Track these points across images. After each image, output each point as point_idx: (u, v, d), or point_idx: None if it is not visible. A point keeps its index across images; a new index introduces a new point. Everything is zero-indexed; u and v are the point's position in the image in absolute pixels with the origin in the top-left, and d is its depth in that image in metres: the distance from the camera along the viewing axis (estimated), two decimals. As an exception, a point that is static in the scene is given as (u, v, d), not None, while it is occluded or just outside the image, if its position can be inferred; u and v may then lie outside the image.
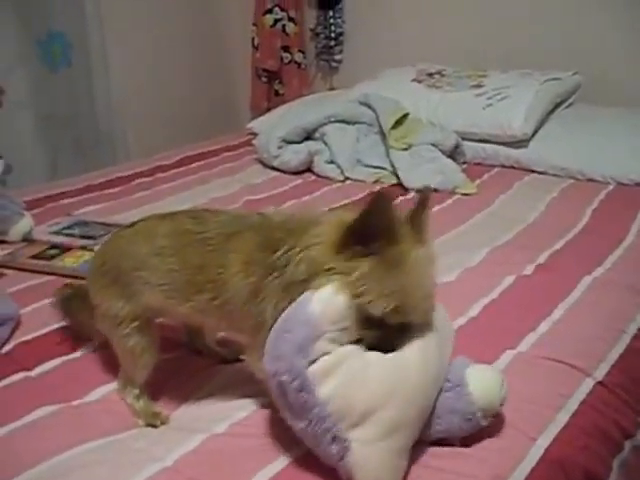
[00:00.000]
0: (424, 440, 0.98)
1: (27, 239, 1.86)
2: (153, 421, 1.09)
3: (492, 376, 1.02)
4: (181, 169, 2.56)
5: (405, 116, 2.46)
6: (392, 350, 0.92)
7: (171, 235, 1.07)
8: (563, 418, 1.09)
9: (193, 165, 2.60)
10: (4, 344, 1.33)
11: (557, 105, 2.53)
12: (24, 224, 1.88)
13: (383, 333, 0.92)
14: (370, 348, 0.92)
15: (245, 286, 0.98)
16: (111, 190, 2.35)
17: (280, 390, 0.91)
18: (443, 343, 1.01)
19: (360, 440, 0.88)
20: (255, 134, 2.81)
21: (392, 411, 0.90)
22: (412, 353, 0.94)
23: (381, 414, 0.89)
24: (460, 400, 0.98)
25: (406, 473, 0.93)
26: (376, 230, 0.88)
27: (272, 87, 3.54)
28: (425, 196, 0.95)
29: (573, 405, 1.13)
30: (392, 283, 0.89)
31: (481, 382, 1.00)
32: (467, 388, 0.98)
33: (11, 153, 2.63)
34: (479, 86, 2.57)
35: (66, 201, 2.24)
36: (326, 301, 0.90)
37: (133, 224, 1.16)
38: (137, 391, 1.12)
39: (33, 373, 1.24)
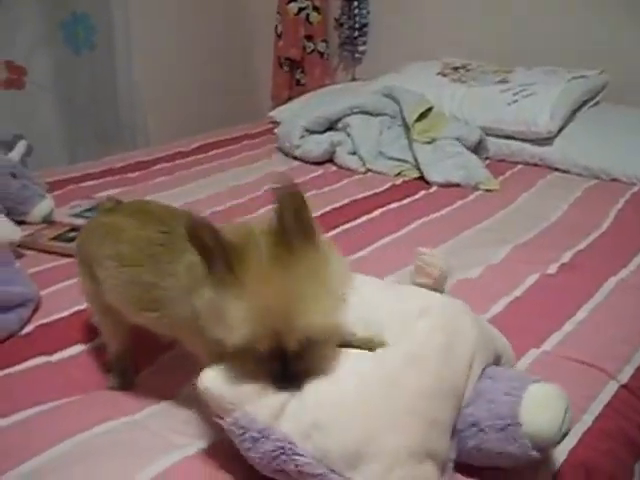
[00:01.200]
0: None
1: (48, 221, 1.87)
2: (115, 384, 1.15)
3: (554, 407, 0.88)
4: (200, 156, 2.55)
5: (429, 109, 2.43)
6: (298, 380, 0.84)
7: (133, 243, 1.03)
8: (587, 420, 1.08)
9: (212, 152, 2.59)
10: (24, 326, 1.33)
11: (583, 103, 2.48)
12: (45, 206, 1.88)
13: (272, 364, 0.84)
14: (275, 383, 0.85)
15: (188, 304, 0.90)
16: (131, 174, 2.35)
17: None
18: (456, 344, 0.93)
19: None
20: (276, 123, 2.80)
21: (388, 440, 0.83)
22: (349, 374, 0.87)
23: (376, 446, 0.82)
24: (512, 443, 0.87)
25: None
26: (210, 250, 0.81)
27: (294, 76, 3.51)
28: (289, 195, 0.79)
29: (597, 408, 1.11)
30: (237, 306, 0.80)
31: (540, 418, 0.87)
32: (521, 429, 0.86)
33: (31, 135, 2.63)
34: (504, 82, 2.53)
35: (87, 184, 2.25)
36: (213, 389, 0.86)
37: (113, 209, 1.18)
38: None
39: (53, 358, 1.23)
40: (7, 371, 1.18)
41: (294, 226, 0.80)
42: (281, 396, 0.85)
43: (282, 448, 0.83)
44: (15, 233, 1.56)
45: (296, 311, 0.79)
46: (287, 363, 0.82)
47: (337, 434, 0.82)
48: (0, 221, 1.57)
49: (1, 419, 1.05)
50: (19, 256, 1.62)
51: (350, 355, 0.91)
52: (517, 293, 1.46)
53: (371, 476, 0.81)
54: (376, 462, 0.81)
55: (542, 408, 0.88)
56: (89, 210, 1.90)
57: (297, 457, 0.83)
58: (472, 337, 0.96)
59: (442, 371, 0.90)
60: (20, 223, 1.73)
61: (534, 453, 0.87)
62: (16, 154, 2.05)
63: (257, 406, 0.85)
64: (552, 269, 1.58)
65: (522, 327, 1.31)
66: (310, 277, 0.81)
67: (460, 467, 0.93)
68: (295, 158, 2.47)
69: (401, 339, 0.93)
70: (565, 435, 0.89)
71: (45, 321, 1.35)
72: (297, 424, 0.84)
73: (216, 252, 0.80)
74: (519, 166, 2.40)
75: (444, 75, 2.71)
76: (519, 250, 1.69)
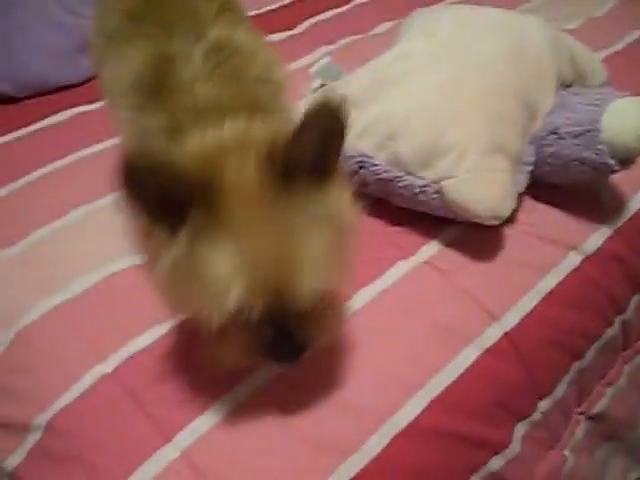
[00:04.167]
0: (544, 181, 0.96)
1: None
2: None
3: (636, 117, 0.86)
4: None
5: None
6: (300, 352, 0.65)
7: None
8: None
9: None
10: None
11: None
12: None
13: (267, 332, 0.64)
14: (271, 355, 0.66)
15: None
16: None
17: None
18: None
19: (443, 173, 0.87)
20: None
21: (459, 134, 0.88)
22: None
23: (448, 140, 0.88)
24: (589, 149, 0.87)
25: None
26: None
27: None
28: (327, 113, 0.58)
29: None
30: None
31: (620, 125, 0.86)
32: (600, 135, 0.86)
33: None
34: None
35: None
36: None
37: None
38: None
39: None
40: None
41: (313, 156, 0.60)
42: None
43: (360, 162, 0.92)
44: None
45: (303, 261, 0.60)
46: (287, 331, 0.63)
47: (407, 139, 0.89)
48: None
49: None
50: None
51: (413, 70, 0.95)
52: (618, 47, 1.39)
53: (442, 170, 0.87)
54: (446, 157, 0.88)
55: (623, 117, 0.87)
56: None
57: (374, 167, 0.91)
58: (540, 46, 1.00)
59: (505, 72, 0.94)
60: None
61: (612, 162, 0.86)
62: None
63: None
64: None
65: (619, 81, 1.26)
66: (320, 224, 0.61)
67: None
68: None
69: (465, 51, 0.97)
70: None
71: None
72: (372, 139, 0.91)
73: (178, 194, 0.57)
74: None
75: None
76: (625, 3, 1.57)
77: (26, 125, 1.20)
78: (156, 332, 0.81)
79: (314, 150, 0.59)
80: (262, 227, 0.59)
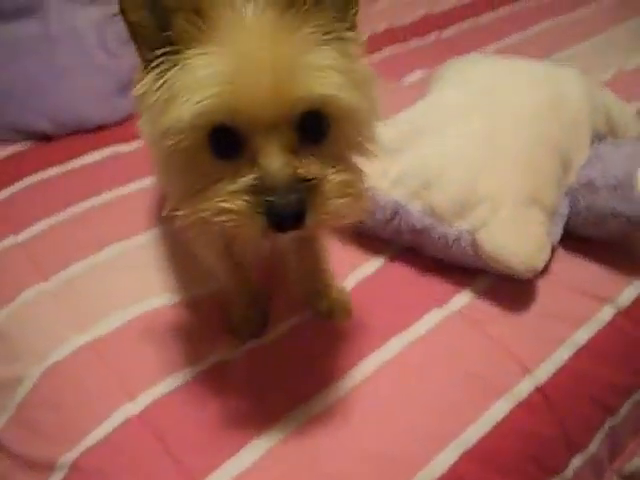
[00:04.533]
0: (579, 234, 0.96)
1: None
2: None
3: None
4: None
5: None
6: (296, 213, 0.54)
7: None
8: None
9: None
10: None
11: None
12: None
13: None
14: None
15: None
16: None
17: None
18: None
19: (477, 224, 0.88)
20: None
21: (492, 184, 0.89)
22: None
23: (483, 191, 0.88)
24: (623, 202, 0.88)
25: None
26: None
27: None
28: None
29: None
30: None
31: None
32: (635, 189, 0.87)
33: None
34: None
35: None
36: None
37: None
38: None
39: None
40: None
41: None
42: (382, 164, 0.90)
43: (394, 210, 0.92)
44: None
45: (303, 67, 0.53)
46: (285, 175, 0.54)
47: (442, 188, 0.89)
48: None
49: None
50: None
51: (448, 119, 0.96)
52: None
53: (477, 221, 0.88)
54: (480, 207, 0.88)
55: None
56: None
57: (408, 216, 0.91)
58: (576, 99, 1.01)
59: (541, 124, 0.95)
60: None
61: None
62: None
63: None
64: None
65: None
66: (326, 42, 0.56)
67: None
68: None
69: (501, 102, 0.98)
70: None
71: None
72: (406, 188, 0.92)
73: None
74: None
75: None
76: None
77: (63, 162, 1.22)
78: (187, 374, 0.81)
79: None
80: (252, 31, 0.54)
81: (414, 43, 1.66)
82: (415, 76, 1.47)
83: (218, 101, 0.52)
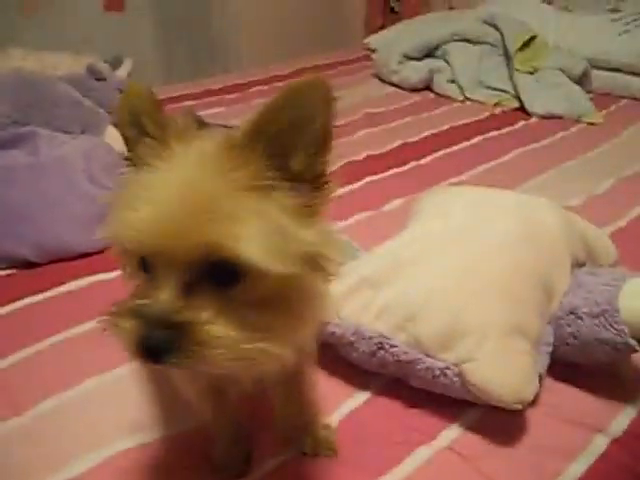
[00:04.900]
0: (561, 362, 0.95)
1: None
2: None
3: None
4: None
5: (532, 39, 2.34)
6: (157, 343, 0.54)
7: None
8: None
9: (309, 77, 2.59)
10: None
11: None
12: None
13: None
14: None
15: None
16: (229, 96, 2.40)
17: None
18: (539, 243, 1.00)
19: (464, 357, 0.87)
20: (372, 50, 2.77)
21: (474, 318, 0.88)
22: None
23: (465, 326, 0.88)
24: (608, 330, 0.87)
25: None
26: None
27: (388, 4, 3.44)
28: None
29: None
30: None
31: (637, 305, 0.87)
32: (618, 315, 0.87)
33: (130, 56, 2.70)
34: (616, 10, 2.41)
35: (186, 103, 2.30)
36: None
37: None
38: None
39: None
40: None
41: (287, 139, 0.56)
42: (365, 297, 0.93)
43: (379, 343, 0.91)
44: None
45: (209, 213, 0.53)
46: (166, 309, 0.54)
47: (426, 321, 0.89)
48: (114, 133, 1.65)
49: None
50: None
51: (429, 252, 0.98)
52: (622, 223, 1.44)
53: (463, 353, 0.87)
54: (466, 339, 0.87)
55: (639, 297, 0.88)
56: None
57: (393, 349, 0.90)
58: (552, 227, 1.04)
59: (521, 253, 0.97)
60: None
61: (633, 342, 0.86)
62: (123, 71, 2.13)
63: (345, 312, 0.93)
64: (659, 203, 1.53)
65: (625, 257, 1.30)
66: (260, 190, 0.56)
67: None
68: (392, 84, 2.46)
69: (479, 233, 1.00)
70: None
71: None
72: (390, 320, 0.91)
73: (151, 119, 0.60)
74: (625, 100, 2.29)
75: (549, 3, 2.60)
76: (623, 183, 1.65)
77: (44, 290, 1.21)
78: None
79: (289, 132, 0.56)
80: (193, 167, 0.56)
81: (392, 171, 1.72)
82: (394, 205, 1.51)
83: (131, 234, 0.55)
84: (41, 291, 1.21)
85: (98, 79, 1.91)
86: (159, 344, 0.53)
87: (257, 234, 0.53)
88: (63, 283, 1.23)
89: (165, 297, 0.54)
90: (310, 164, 0.57)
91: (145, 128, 0.60)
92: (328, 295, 0.62)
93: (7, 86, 1.67)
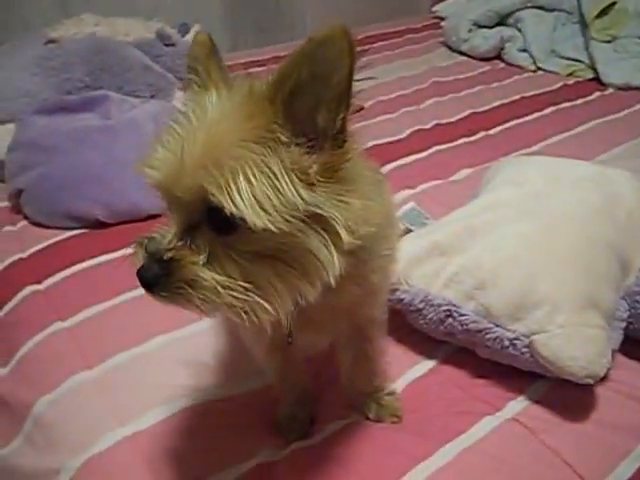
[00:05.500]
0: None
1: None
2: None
3: None
4: (364, 47, 2.53)
5: (611, 5, 2.24)
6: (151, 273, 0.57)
7: None
8: None
9: (377, 44, 2.55)
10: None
11: None
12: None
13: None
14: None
15: None
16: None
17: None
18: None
19: (535, 328, 0.85)
20: (440, 18, 2.70)
21: (548, 288, 0.87)
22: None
23: (540, 296, 0.86)
24: None
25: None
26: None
27: (459, -30, 3.34)
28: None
29: None
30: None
31: None
32: None
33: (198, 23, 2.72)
34: None
35: (252, 70, 2.30)
36: None
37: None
38: None
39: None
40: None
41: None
42: (435, 264, 0.92)
43: (448, 311, 0.90)
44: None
45: (209, 159, 0.54)
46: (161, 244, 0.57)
47: (498, 290, 0.88)
48: (182, 97, 1.67)
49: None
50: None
51: (502, 220, 0.96)
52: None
53: (534, 324, 0.85)
54: (538, 311, 0.86)
55: None
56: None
57: (462, 317, 0.89)
58: (630, 200, 1.01)
59: (597, 225, 0.94)
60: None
61: None
62: (191, 37, 2.14)
63: (414, 279, 0.92)
64: None
65: None
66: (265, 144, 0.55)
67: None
68: (461, 53, 2.40)
69: (555, 202, 0.98)
70: None
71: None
72: (459, 288, 0.90)
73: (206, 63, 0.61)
74: None
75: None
76: None
77: (114, 250, 1.24)
78: (231, 474, 0.78)
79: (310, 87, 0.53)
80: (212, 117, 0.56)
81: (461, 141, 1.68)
82: (462, 174, 1.48)
83: (149, 172, 0.58)
84: (112, 251, 1.24)
85: (167, 45, 1.93)
86: (149, 277, 0.57)
87: (247, 187, 0.53)
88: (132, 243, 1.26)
89: (167, 234, 0.58)
90: (330, 120, 0.55)
91: (198, 74, 0.62)
92: (336, 258, 0.57)
93: (80, 51, 1.71)
